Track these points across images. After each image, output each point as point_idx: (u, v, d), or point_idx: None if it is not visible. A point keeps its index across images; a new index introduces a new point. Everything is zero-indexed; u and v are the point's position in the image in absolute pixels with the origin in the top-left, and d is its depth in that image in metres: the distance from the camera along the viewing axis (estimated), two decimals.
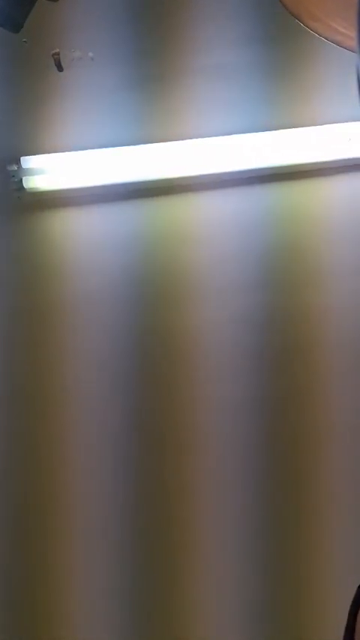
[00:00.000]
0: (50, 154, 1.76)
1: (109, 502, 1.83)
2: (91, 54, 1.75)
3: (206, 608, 1.83)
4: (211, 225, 1.83)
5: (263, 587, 1.84)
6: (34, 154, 1.76)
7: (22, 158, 1.75)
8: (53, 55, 1.74)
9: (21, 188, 1.76)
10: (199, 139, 1.77)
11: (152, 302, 1.83)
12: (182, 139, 1.77)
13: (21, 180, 1.75)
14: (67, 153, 1.76)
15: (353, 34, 0.83)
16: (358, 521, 1.84)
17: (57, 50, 1.74)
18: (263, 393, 1.84)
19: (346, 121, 1.77)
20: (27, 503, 1.83)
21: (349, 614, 1.03)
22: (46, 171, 1.75)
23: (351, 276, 1.83)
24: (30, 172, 1.75)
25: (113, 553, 1.83)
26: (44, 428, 1.83)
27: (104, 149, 1.76)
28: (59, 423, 1.82)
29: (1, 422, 1.83)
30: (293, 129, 1.78)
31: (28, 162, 1.75)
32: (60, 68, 1.75)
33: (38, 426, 1.83)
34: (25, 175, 1.75)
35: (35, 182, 1.76)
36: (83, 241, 1.83)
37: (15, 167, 1.75)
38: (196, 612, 1.83)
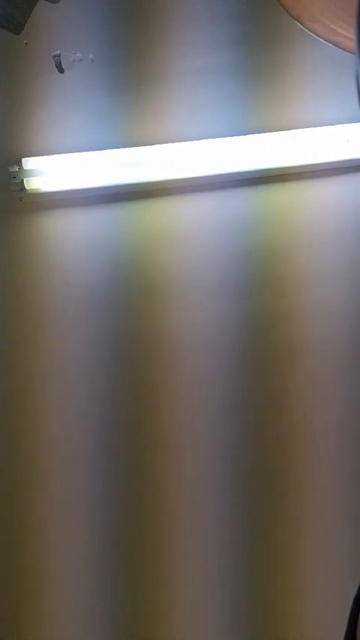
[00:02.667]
0: (51, 156, 1.76)
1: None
2: (91, 55, 1.76)
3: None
4: (207, 226, 1.83)
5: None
6: (36, 156, 1.76)
7: (23, 159, 1.75)
8: (54, 56, 1.75)
9: (22, 189, 1.76)
10: (199, 141, 1.77)
11: (150, 302, 1.83)
12: (185, 140, 1.77)
13: (22, 181, 1.75)
14: (68, 154, 1.76)
15: (352, 35, 0.83)
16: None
17: (58, 52, 1.75)
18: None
19: (339, 123, 1.78)
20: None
21: (351, 614, 1.03)
22: (48, 173, 1.75)
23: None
24: (31, 174, 1.75)
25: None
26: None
27: (105, 150, 1.76)
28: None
29: None
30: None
31: (30, 163, 1.75)
32: (61, 69, 1.75)
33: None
34: (27, 177, 1.75)
35: (36, 183, 1.76)
36: (85, 242, 1.83)
37: (16, 168, 1.75)
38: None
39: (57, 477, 1.83)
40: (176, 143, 1.77)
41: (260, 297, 1.84)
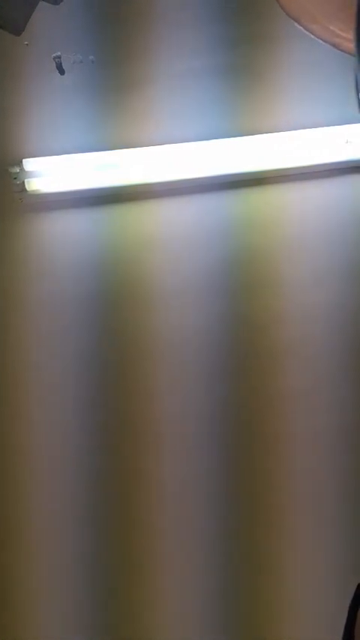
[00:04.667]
0: (52, 157, 1.76)
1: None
2: (92, 57, 1.76)
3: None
4: (205, 227, 1.84)
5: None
6: (37, 156, 1.76)
7: (24, 160, 1.75)
8: (54, 58, 1.75)
9: (23, 190, 1.76)
10: (201, 142, 1.78)
11: (147, 303, 1.84)
12: (187, 141, 1.78)
13: (23, 182, 1.76)
14: (69, 155, 1.76)
15: (351, 37, 0.84)
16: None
17: (58, 53, 1.75)
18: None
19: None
20: None
21: (349, 612, 1.04)
22: (49, 174, 1.76)
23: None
24: (32, 175, 1.75)
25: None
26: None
27: (106, 152, 1.77)
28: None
29: None
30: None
31: (30, 164, 1.75)
32: (61, 71, 1.75)
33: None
34: (27, 178, 1.76)
35: (37, 184, 1.76)
36: (85, 243, 1.83)
37: (17, 169, 1.75)
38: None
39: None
40: (179, 144, 1.77)
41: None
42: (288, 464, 1.86)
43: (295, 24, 0.88)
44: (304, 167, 1.83)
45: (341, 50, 0.87)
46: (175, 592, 1.84)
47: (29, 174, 1.76)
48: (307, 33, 0.88)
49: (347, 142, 1.80)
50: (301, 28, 0.89)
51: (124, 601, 1.85)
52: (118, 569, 1.85)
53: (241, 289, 1.85)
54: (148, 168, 1.78)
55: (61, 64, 1.75)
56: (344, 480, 1.87)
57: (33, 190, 1.77)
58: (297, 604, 1.85)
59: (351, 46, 0.83)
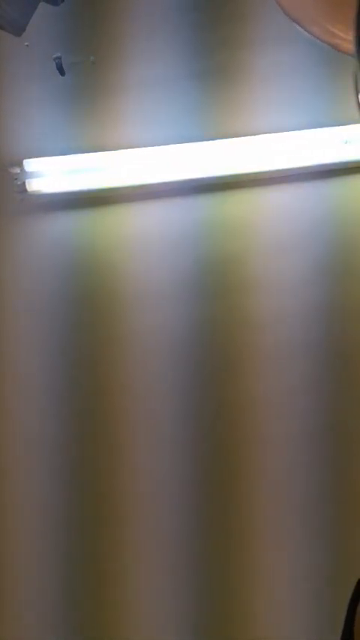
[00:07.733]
0: (53, 157, 1.77)
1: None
2: (92, 58, 1.77)
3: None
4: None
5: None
6: (37, 157, 1.77)
7: (24, 161, 1.76)
8: (55, 59, 1.76)
9: (24, 191, 1.77)
10: (196, 143, 1.78)
11: (143, 305, 1.84)
12: (188, 142, 1.79)
13: (24, 183, 1.76)
14: (70, 156, 1.77)
15: (351, 37, 0.84)
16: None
17: (59, 54, 1.76)
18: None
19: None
20: None
21: (348, 609, 1.04)
22: (49, 174, 1.76)
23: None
24: (33, 175, 1.76)
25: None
26: None
27: (107, 152, 1.77)
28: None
29: None
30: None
31: (31, 165, 1.76)
32: (62, 72, 1.76)
33: None
34: (28, 178, 1.76)
35: (38, 185, 1.77)
36: (86, 244, 1.84)
37: (17, 170, 1.76)
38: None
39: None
40: (183, 144, 1.78)
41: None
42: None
43: (296, 25, 0.89)
44: (302, 168, 1.83)
45: (341, 51, 0.88)
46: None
47: (30, 175, 1.76)
48: (307, 34, 0.89)
49: (346, 143, 1.81)
50: (301, 29, 0.89)
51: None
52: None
53: (235, 291, 1.85)
54: (150, 168, 1.78)
55: (61, 64, 1.76)
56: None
57: (34, 191, 1.77)
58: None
59: (351, 47, 0.84)
